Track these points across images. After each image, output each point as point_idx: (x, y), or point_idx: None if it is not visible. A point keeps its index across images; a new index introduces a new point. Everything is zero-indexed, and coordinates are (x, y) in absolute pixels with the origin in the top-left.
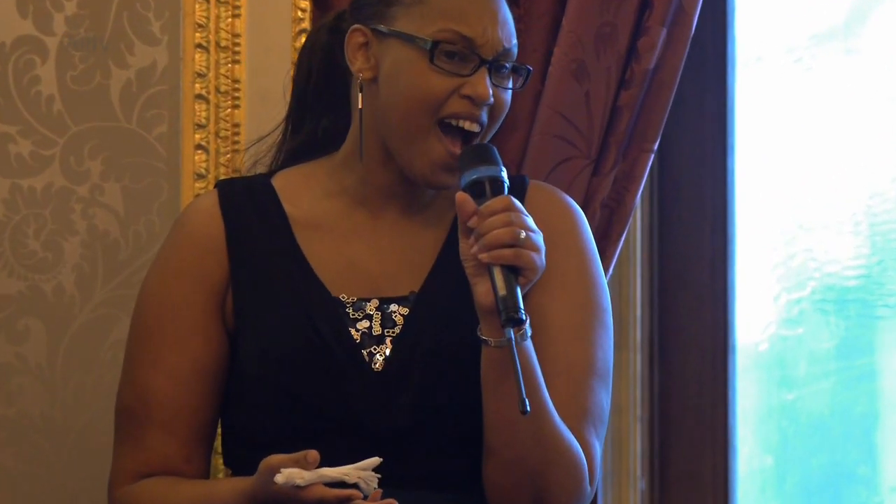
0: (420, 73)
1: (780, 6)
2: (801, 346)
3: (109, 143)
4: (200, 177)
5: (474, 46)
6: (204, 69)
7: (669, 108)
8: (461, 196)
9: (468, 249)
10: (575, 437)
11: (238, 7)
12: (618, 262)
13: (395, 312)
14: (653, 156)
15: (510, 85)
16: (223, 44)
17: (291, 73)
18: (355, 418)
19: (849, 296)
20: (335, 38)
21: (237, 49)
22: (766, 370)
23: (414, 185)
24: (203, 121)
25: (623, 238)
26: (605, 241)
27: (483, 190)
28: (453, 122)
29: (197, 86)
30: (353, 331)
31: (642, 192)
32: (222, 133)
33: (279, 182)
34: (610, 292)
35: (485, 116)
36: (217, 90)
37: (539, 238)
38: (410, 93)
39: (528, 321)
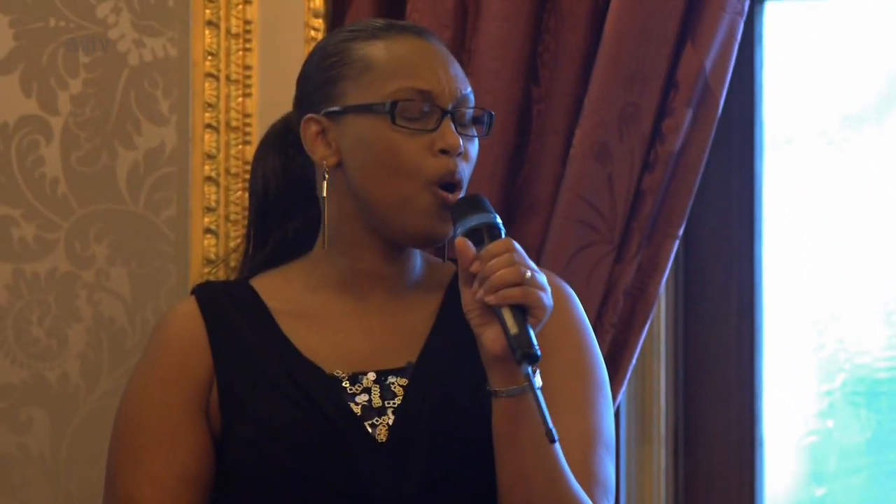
0: (386, 140)
1: (811, 87)
2: (831, 440)
3: (116, 227)
4: (210, 262)
5: (432, 98)
6: (214, 150)
7: (695, 192)
8: (461, 241)
9: (472, 298)
10: None
11: (249, 87)
12: (641, 353)
13: (393, 384)
14: (677, 241)
15: (474, 133)
16: (233, 124)
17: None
18: (364, 491)
19: (880, 388)
20: (286, 143)
21: (248, 130)
22: (795, 465)
23: (399, 265)
24: (213, 203)
25: (646, 328)
26: (629, 331)
27: (481, 237)
28: (439, 185)
29: (206, 167)
30: (352, 405)
31: (666, 279)
32: (232, 217)
33: (258, 283)
34: (633, 384)
35: (463, 170)
36: (227, 172)
37: (543, 278)
38: (383, 163)
39: (537, 373)
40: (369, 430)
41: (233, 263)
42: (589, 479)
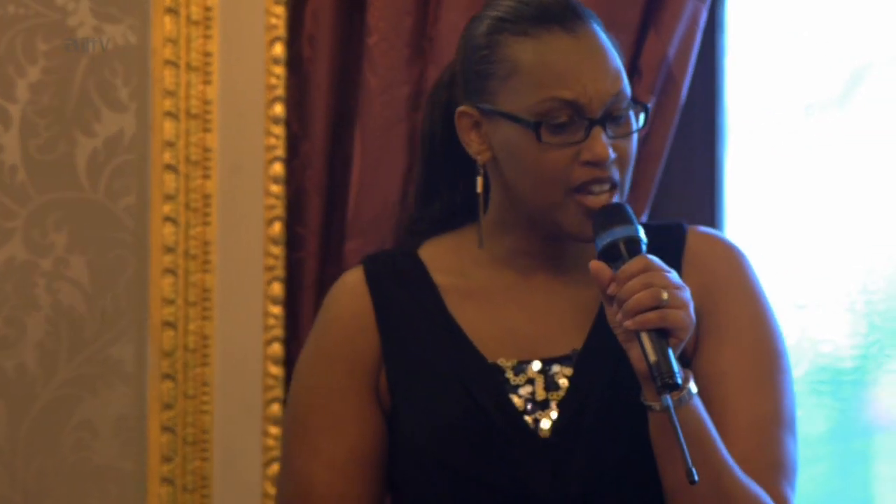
0: (532, 152)
1: (774, 75)
2: None
3: (75, 215)
4: (169, 250)
5: (579, 108)
6: (173, 138)
7: (658, 179)
8: (595, 265)
9: (614, 317)
10: (766, 491)
11: (209, 73)
12: None
13: (557, 374)
14: None
15: (630, 129)
16: (194, 111)
17: (265, 141)
18: (525, 490)
19: (844, 377)
20: (453, 92)
21: (208, 117)
22: None
23: (563, 245)
24: (172, 192)
25: None
26: None
27: (619, 252)
28: (584, 189)
29: (166, 155)
30: (514, 397)
31: None
32: (192, 205)
33: (426, 253)
34: None
35: (615, 173)
36: (187, 160)
37: (685, 294)
38: (530, 172)
39: (688, 381)
40: (531, 425)
41: (192, 250)
42: (767, 465)
